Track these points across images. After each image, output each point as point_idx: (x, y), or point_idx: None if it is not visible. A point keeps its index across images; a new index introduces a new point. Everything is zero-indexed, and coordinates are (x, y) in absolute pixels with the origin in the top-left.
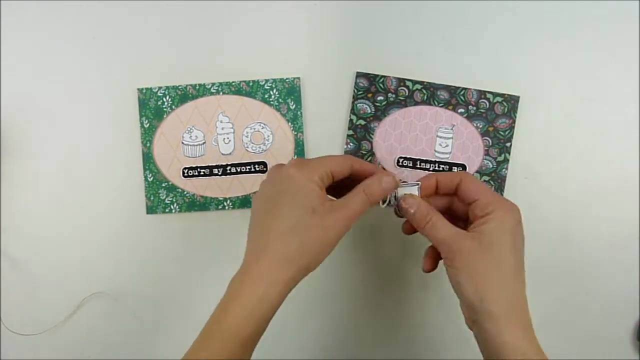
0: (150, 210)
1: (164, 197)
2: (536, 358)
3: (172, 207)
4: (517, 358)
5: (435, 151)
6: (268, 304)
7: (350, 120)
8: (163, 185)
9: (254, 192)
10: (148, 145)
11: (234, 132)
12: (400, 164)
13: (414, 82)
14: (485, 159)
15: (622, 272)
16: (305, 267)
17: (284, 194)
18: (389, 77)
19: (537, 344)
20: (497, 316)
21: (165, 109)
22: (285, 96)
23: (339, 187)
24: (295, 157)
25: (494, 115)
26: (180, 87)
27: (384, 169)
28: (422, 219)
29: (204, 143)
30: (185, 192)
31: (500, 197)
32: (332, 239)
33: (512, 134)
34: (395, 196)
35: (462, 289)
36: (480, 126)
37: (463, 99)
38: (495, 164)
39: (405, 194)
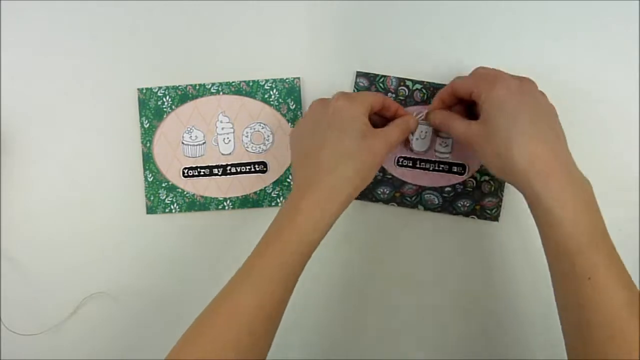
0: (150, 210)
1: (164, 197)
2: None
3: (172, 207)
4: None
5: (435, 151)
6: (330, 217)
7: None
8: (163, 185)
9: (293, 131)
10: (148, 145)
11: (234, 132)
12: (400, 163)
13: (414, 82)
14: None
15: None
16: (358, 187)
17: (333, 123)
18: (389, 76)
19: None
20: (522, 169)
21: (165, 109)
22: (285, 96)
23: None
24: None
25: None
26: (180, 87)
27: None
28: (440, 124)
29: (204, 143)
30: (185, 192)
31: (486, 76)
32: (379, 161)
33: None
34: (427, 132)
35: (487, 166)
36: None
37: None
38: None
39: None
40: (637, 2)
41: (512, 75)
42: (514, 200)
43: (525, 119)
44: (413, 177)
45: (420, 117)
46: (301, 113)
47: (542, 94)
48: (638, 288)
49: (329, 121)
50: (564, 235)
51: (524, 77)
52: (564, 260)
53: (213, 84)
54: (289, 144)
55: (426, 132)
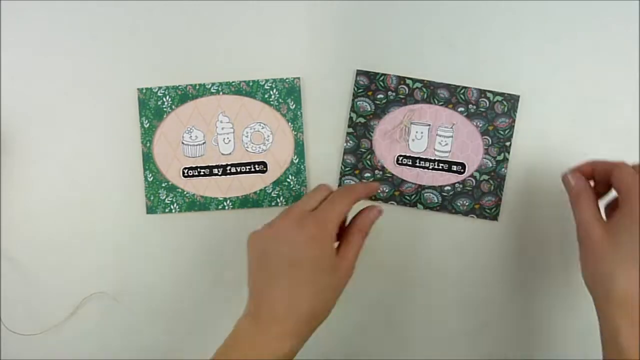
0: (150, 210)
1: (164, 197)
2: None
3: (172, 207)
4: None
5: (435, 150)
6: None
7: (350, 118)
8: (163, 185)
9: (254, 233)
10: (148, 145)
11: (234, 132)
12: (400, 162)
13: (414, 81)
14: (485, 158)
15: None
16: (324, 319)
17: (304, 265)
18: (389, 75)
19: None
20: (608, 308)
21: (165, 109)
22: (285, 96)
23: None
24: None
25: (494, 114)
26: (180, 87)
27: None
28: (574, 196)
29: (204, 143)
30: (185, 192)
31: None
32: (345, 285)
33: (512, 133)
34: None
35: (584, 278)
36: (480, 125)
37: (463, 97)
38: (494, 163)
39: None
40: (637, 2)
41: None
42: (513, 199)
43: None
44: (412, 175)
45: (408, 119)
46: (301, 113)
47: None
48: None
49: (300, 257)
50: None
51: None
52: None
53: (213, 84)
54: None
55: (422, 133)
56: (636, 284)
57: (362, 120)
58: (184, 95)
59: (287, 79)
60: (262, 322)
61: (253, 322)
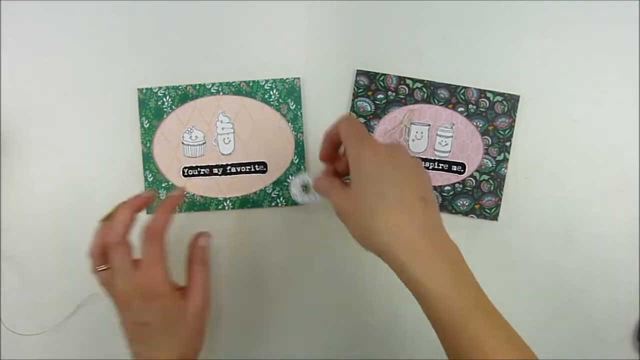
0: (151, 210)
1: (164, 197)
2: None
3: None
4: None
5: (435, 149)
6: None
7: None
8: (163, 185)
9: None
10: (148, 145)
11: (234, 132)
12: None
13: (414, 81)
14: (485, 158)
15: (622, 272)
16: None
17: (153, 322)
18: (389, 75)
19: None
20: (385, 241)
21: (165, 109)
22: (285, 96)
23: None
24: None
25: (494, 114)
26: (180, 87)
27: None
28: (325, 194)
29: (204, 143)
30: (185, 192)
31: (360, 135)
32: (204, 320)
33: (512, 133)
34: (305, 186)
35: (354, 234)
36: (480, 125)
37: (463, 97)
38: (494, 163)
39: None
40: (637, 2)
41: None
42: (513, 199)
43: (390, 184)
44: None
45: (408, 119)
46: (301, 113)
47: (405, 149)
48: (638, 288)
49: (145, 323)
50: (442, 309)
51: (394, 143)
52: (449, 333)
53: (213, 84)
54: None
55: (422, 133)
56: (392, 212)
57: (362, 120)
58: (184, 95)
59: (287, 79)
60: None
61: None
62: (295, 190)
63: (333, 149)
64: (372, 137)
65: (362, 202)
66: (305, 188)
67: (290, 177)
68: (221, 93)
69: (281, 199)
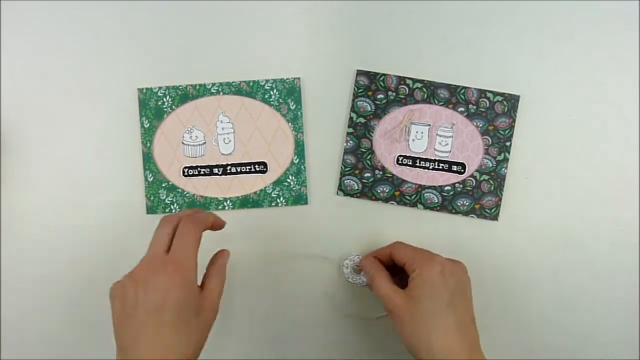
0: (150, 210)
1: (164, 197)
2: None
3: (172, 207)
4: None
5: (435, 150)
6: None
7: (350, 118)
8: (163, 185)
9: (116, 284)
10: (148, 145)
11: (234, 132)
12: (400, 162)
13: (415, 81)
14: (485, 158)
15: (622, 272)
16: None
17: (169, 303)
18: (389, 75)
19: None
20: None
21: (165, 109)
22: (286, 96)
23: None
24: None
25: (494, 114)
26: (180, 87)
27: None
28: (370, 277)
29: (204, 143)
30: (185, 192)
31: (424, 253)
32: (211, 325)
33: (512, 133)
34: (352, 268)
35: (403, 341)
36: (480, 125)
37: (463, 97)
38: (494, 163)
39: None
40: (637, 2)
41: (446, 258)
42: (513, 199)
43: (451, 304)
44: (412, 175)
45: (409, 119)
46: (301, 113)
47: (463, 270)
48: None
49: (155, 309)
50: None
51: (456, 261)
52: None
53: (213, 84)
54: (288, 145)
55: (422, 133)
56: (449, 333)
57: (362, 120)
58: (184, 95)
59: (287, 79)
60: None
61: None
62: (347, 272)
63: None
64: (433, 253)
65: (422, 315)
66: (356, 267)
67: (290, 176)
68: (221, 93)
69: (281, 199)
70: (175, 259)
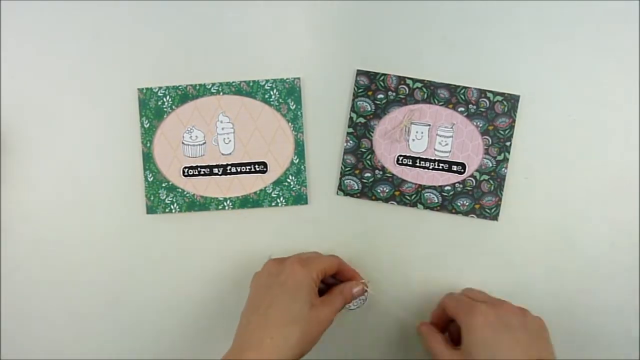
0: (150, 210)
1: (164, 197)
2: None
3: (172, 207)
4: None
5: (435, 149)
6: None
7: (351, 118)
8: (163, 185)
9: (255, 276)
10: (148, 145)
11: (234, 132)
12: (400, 162)
13: (415, 81)
14: (485, 158)
15: (622, 272)
16: (297, 355)
17: (284, 287)
18: (389, 75)
19: None
20: None
21: (165, 109)
22: (286, 96)
23: None
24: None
25: (494, 114)
26: (180, 87)
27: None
28: (425, 341)
29: (204, 143)
30: (185, 192)
31: (464, 304)
32: (322, 330)
33: (512, 133)
34: (365, 299)
35: None
36: (480, 125)
37: (463, 97)
38: (494, 162)
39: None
40: (637, 2)
41: (490, 303)
42: (513, 199)
43: (501, 350)
44: (413, 175)
45: (409, 119)
46: (301, 113)
47: (523, 312)
48: (638, 288)
49: (281, 283)
50: None
51: (503, 303)
52: None
53: (213, 84)
54: (288, 145)
55: (422, 133)
56: None
57: (362, 120)
58: (184, 95)
59: (287, 79)
60: (238, 346)
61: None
62: (353, 306)
63: (441, 326)
64: (479, 304)
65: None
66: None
67: (290, 176)
68: (221, 93)
69: (281, 199)
70: (313, 260)
